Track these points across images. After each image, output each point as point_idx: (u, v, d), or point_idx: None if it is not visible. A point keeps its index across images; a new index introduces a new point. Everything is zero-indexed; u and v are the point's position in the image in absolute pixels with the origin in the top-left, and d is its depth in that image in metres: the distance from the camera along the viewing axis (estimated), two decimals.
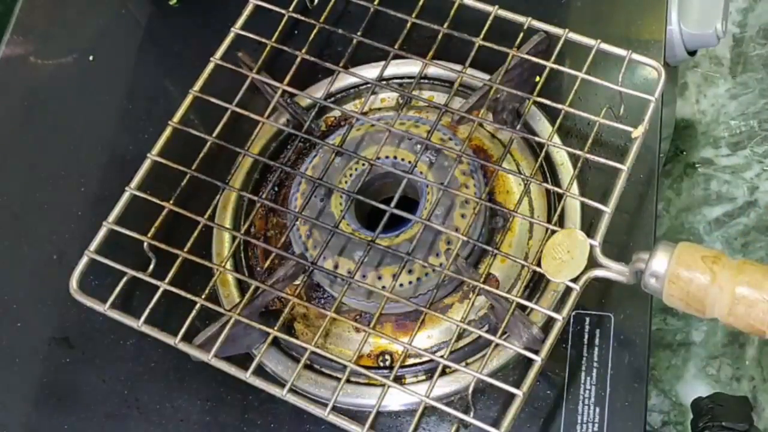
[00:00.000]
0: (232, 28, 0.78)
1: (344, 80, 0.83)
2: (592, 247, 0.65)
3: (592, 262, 0.65)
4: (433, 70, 0.80)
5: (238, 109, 0.75)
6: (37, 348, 0.79)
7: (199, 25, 0.91)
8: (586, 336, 0.73)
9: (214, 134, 0.75)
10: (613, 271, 0.65)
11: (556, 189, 0.70)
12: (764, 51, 1.48)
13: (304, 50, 0.77)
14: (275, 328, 0.67)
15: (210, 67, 0.76)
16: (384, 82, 0.82)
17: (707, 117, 1.45)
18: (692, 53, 0.93)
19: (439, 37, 0.76)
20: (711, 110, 1.46)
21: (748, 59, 1.48)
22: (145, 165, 0.74)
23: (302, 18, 0.79)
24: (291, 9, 0.79)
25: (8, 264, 0.83)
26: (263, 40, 0.77)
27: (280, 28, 0.78)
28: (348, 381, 0.73)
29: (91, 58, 0.91)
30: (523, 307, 0.69)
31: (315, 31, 0.78)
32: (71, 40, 0.93)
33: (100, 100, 0.89)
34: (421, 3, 0.78)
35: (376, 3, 0.79)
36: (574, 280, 0.65)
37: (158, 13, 0.93)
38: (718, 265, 0.60)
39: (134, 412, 0.75)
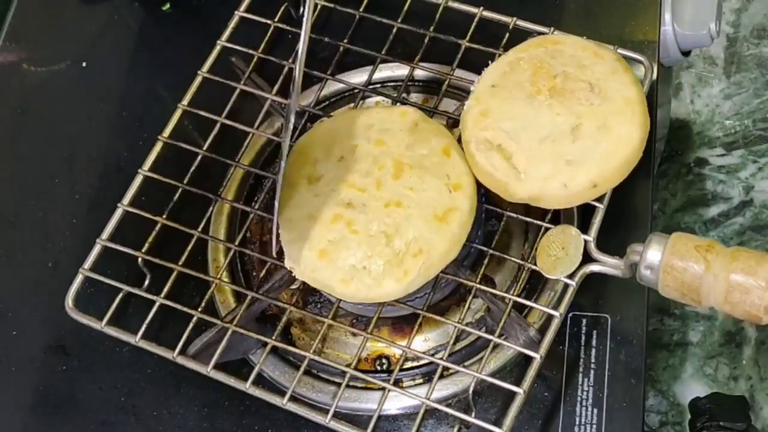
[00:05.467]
0: (218, 41, 0.78)
1: (335, 85, 0.83)
2: (586, 242, 0.65)
3: (587, 258, 0.65)
4: (423, 72, 0.80)
5: (227, 122, 0.75)
6: (32, 356, 0.78)
7: (192, 31, 0.91)
8: (583, 337, 0.72)
9: (205, 147, 0.75)
10: (608, 265, 0.65)
11: None
12: (758, 51, 1.48)
13: (291, 59, 0.77)
14: (273, 337, 0.67)
15: (197, 81, 0.76)
16: (378, 85, 0.82)
17: (702, 117, 1.45)
18: (686, 53, 0.93)
19: (426, 40, 0.77)
20: (705, 110, 1.46)
21: (741, 59, 1.48)
22: (137, 181, 0.74)
23: (288, 28, 0.79)
24: (277, 19, 0.79)
25: (3, 272, 0.83)
26: (250, 51, 0.77)
27: (266, 38, 0.78)
28: (346, 385, 0.73)
29: (84, 64, 0.91)
30: (520, 310, 0.69)
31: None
32: (64, 47, 0.93)
33: (93, 106, 0.89)
34: (405, 8, 0.78)
35: (361, 10, 0.79)
36: (570, 276, 0.65)
37: (151, 19, 0.93)
38: (712, 253, 0.60)
39: (131, 419, 0.75)
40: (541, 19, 0.75)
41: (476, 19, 0.76)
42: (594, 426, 0.70)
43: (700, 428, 0.73)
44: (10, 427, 0.76)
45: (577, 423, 0.70)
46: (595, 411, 0.70)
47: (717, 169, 1.41)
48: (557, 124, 0.65)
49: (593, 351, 0.72)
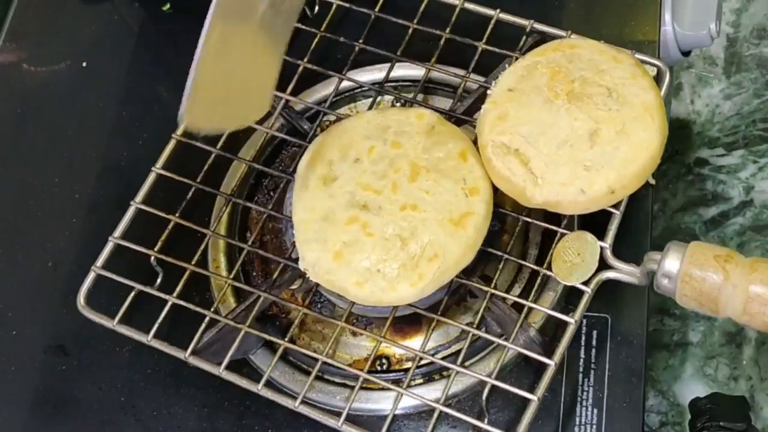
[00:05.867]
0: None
1: (325, 90, 0.82)
2: (602, 249, 0.65)
3: (602, 265, 0.65)
4: (435, 74, 0.80)
5: (221, 152, 0.75)
6: (32, 356, 0.78)
7: (193, 30, 0.90)
8: (584, 337, 0.72)
9: (218, 146, 0.74)
10: (624, 272, 0.64)
11: None
12: (758, 51, 1.48)
13: (306, 59, 0.77)
14: (285, 339, 0.67)
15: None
16: (389, 85, 0.81)
17: (702, 117, 1.45)
18: (686, 53, 0.93)
19: (442, 42, 0.76)
20: (705, 110, 1.46)
21: (741, 59, 1.48)
22: (150, 179, 0.74)
23: (302, 26, 0.78)
24: None
25: (3, 272, 0.83)
26: None
27: None
28: (346, 386, 0.73)
29: (84, 64, 0.91)
30: (519, 309, 0.69)
31: (316, 40, 0.78)
32: (64, 47, 0.93)
33: (93, 106, 0.89)
34: (422, 9, 0.77)
35: (376, 10, 0.79)
36: (585, 283, 0.64)
37: (151, 19, 0.93)
38: (731, 263, 0.60)
39: (131, 420, 0.75)
40: (542, 19, 0.75)
41: (492, 22, 0.75)
42: (594, 426, 0.70)
43: (700, 428, 0.73)
44: (10, 427, 0.76)
45: (577, 423, 0.70)
46: (595, 411, 0.70)
47: (717, 169, 1.41)
48: (575, 129, 0.64)
49: (593, 351, 0.72)
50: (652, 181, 0.73)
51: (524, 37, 0.74)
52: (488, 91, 0.69)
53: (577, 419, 0.70)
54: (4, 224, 0.85)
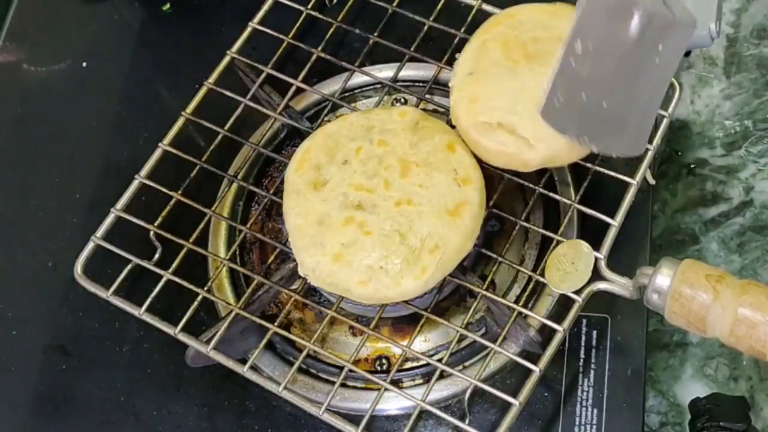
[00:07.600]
0: (228, 51, 0.76)
1: (332, 87, 0.82)
2: (597, 260, 0.65)
3: (595, 275, 0.65)
4: (422, 72, 0.79)
5: (250, 104, 0.75)
6: (32, 356, 0.78)
7: (192, 31, 0.91)
8: (584, 338, 0.72)
9: (226, 127, 0.74)
10: (616, 285, 0.64)
11: (564, 200, 0.69)
12: (758, 51, 1.48)
13: (320, 47, 0.76)
14: (275, 324, 0.67)
15: (202, 91, 0.75)
16: (400, 84, 0.81)
17: (702, 117, 1.45)
18: (686, 54, 0.93)
19: (456, 41, 0.75)
20: (705, 111, 1.46)
21: (742, 59, 1.48)
22: (156, 154, 0.73)
23: (320, 16, 0.77)
24: (290, 36, 0.77)
25: (3, 272, 0.83)
26: (260, 66, 0.76)
27: (278, 54, 0.76)
28: (346, 386, 0.73)
29: (84, 64, 0.91)
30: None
31: (331, 30, 0.77)
32: (64, 47, 0.93)
33: (93, 106, 0.89)
34: (439, 7, 0.76)
35: (395, 4, 0.78)
36: (577, 292, 0.64)
37: (151, 19, 0.93)
38: (722, 284, 0.59)
39: (131, 419, 0.75)
40: None
41: None
42: (594, 426, 0.70)
43: (700, 428, 0.73)
44: (10, 427, 0.76)
45: (577, 423, 0.70)
46: (595, 411, 0.70)
47: (717, 169, 1.41)
48: (544, 83, 0.64)
49: (593, 351, 0.72)
50: (652, 181, 0.73)
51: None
52: (449, 84, 0.69)
53: (577, 419, 0.70)
54: (4, 224, 0.85)
